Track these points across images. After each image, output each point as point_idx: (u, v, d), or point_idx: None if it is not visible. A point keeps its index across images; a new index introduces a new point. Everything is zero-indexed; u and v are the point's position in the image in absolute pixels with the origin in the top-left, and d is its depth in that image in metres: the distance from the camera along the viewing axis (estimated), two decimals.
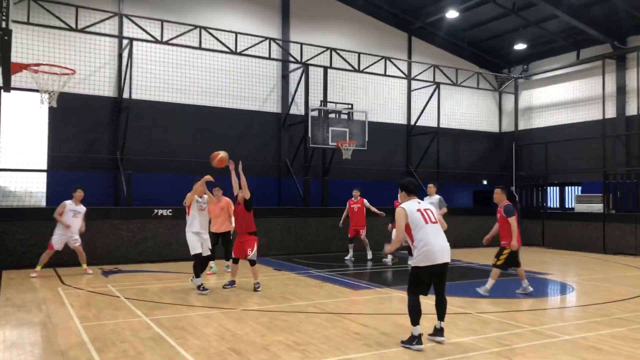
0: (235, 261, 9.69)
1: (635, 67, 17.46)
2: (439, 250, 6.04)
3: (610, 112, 18.09)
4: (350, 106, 16.85)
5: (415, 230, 6.04)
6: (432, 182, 12.96)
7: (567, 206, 20.19)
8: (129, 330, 6.64)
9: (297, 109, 17.32)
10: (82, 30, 13.50)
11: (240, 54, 15.37)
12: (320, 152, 16.77)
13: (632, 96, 17.62)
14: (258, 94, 17.00)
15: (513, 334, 6.59)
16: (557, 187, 20.61)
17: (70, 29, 13.29)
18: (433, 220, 6.14)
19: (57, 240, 11.02)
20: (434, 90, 19.11)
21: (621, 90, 17.87)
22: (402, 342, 6.03)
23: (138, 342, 6.09)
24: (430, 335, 6.24)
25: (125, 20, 14.51)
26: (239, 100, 16.63)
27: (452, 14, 18.13)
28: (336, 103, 16.80)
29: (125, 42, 14.66)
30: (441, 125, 19.21)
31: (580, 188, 19.40)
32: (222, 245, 11.33)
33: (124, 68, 14.68)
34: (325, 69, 16.52)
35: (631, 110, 17.62)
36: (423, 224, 6.05)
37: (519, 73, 21.32)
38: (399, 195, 6.51)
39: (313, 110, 16.08)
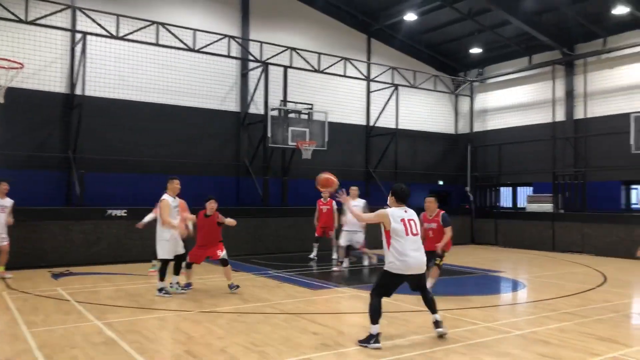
0: (189, 266, 9.36)
1: (583, 74, 18.19)
2: (415, 264, 6.14)
3: (560, 116, 18.78)
4: (310, 106, 16.86)
5: (395, 239, 6.10)
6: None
7: (519, 206, 20.83)
8: (79, 335, 6.43)
9: (256, 108, 17.21)
10: (33, 23, 12.98)
11: (198, 51, 15.14)
12: (280, 152, 16.72)
13: (579, 101, 18.35)
14: (217, 92, 16.80)
15: (467, 330, 6.74)
16: (510, 188, 21.24)
17: (20, 20, 12.75)
18: (414, 232, 6.18)
19: None
20: (393, 91, 19.35)
21: (570, 95, 18.58)
22: (360, 340, 6.06)
23: (89, 348, 5.91)
24: (435, 329, 6.31)
25: (78, 13, 14.06)
26: (197, 98, 16.39)
27: (410, 16, 18.41)
28: (296, 103, 16.79)
29: (78, 36, 14.20)
30: (399, 127, 19.48)
31: (531, 188, 20.06)
32: None
33: (76, 63, 14.23)
34: (285, 68, 16.48)
35: (579, 114, 18.34)
36: (404, 235, 6.10)
37: (474, 76, 21.86)
38: (388, 199, 6.44)
39: (273, 109, 16.01)
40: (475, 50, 20.55)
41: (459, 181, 21.91)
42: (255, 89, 16.96)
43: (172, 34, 14.63)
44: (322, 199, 13.92)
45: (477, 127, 21.82)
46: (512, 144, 19.88)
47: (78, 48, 14.16)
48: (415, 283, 6.35)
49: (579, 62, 18.34)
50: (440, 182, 21.78)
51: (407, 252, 6.06)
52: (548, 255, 16.13)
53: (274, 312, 7.77)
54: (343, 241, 12.42)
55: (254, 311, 7.85)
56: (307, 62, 16.87)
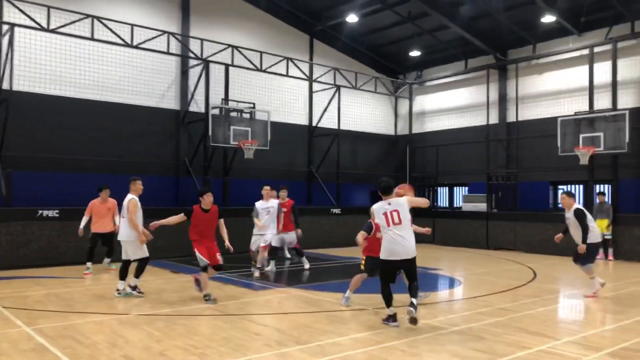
0: (206, 269, 8.54)
1: (514, 78, 19.05)
2: (397, 250, 6.91)
3: (494, 119, 19.58)
4: (252, 105, 16.72)
5: (381, 230, 7.05)
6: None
7: (455, 205, 21.55)
8: (6, 342, 6.08)
9: (197, 106, 16.88)
10: None
11: (136, 47, 14.68)
12: (221, 151, 16.47)
13: (512, 104, 19.20)
14: (155, 89, 16.35)
15: (407, 327, 6.90)
16: (447, 188, 21.94)
17: None
18: (396, 222, 6.94)
19: None
20: (335, 92, 19.52)
21: (503, 99, 19.42)
22: (382, 319, 7.07)
23: (17, 355, 5.61)
24: (408, 310, 6.71)
25: (5, 3, 13.28)
26: (134, 95, 15.88)
27: (352, 18, 18.63)
28: (238, 102, 16.60)
29: (5, 27, 13.42)
30: (341, 127, 19.67)
31: (467, 188, 20.80)
32: (104, 244, 11.75)
33: (3, 56, 13.44)
34: (227, 66, 16.27)
35: (511, 117, 19.19)
36: (386, 226, 6.96)
37: (413, 79, 22.41)
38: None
39: (214, 108, 15.76)
40: (415, 53, 21.07)
41: (399, 181, 22.33)
42: (195, 87, 16.63)
43: (109, 28, 14.12)
44: (279, 200, 12.69)
45: (416, 129, 22.39)
46: (449, 146, 20.53)
47: (5, 40, 13.38)
48: (407, 269, 7.08)
49: (511, 67, 19.20)
50: None
51: (390, 240, 6.91)
52: (482, 253, 16.77)
53: (215, 314, 7.66)
54: (255, 246, 11.69)
55: (194, 313, 7.70)
56: (249, 61, 16.73)
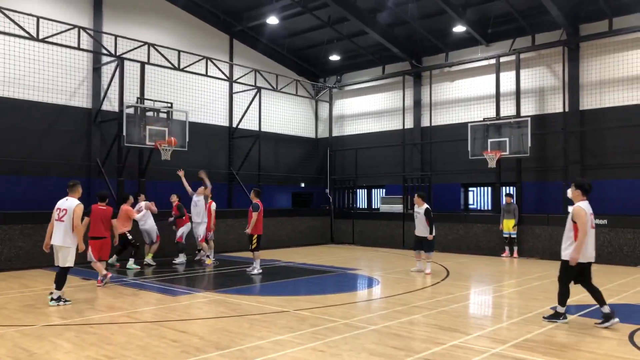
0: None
1: (429, 84, 19.90)
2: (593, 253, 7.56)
3: (409, 123, 20.32)
4: (169, 105, 16.23)
5: (583, 230, 7.28)
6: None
7: (373, 207, 22.12)
8: None
9: (110, 104, 16.14)
10: None
11: (43, 41, 13.79)
12: (137, 151, 15.84)
13: (426, 110, 20.03)
14: (65, 86, 15.43)
15: (327, 328, 6.99)
16: (365, 190, 22.47)
17: None
18: (593, 226, 7.54)
19: None
20: (256, 94, 19.40)
21: (417, 104, 20.20)
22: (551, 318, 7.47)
23: None
24: None
25: None
26: (41, 92, 14.90)
27: (272, 20, 18.61)
28: (154, 101, 16.03)
29: None
30: (262, 129, 19.59)
31: (384, 190, 21.42)
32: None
33: None
34: (143, 64, 15.68)
35: (425, 122, 20.02)
36: (590, 228, 7.44)
37: (333, 83, 22.76)
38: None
39: (128, 107, 15.09)
40: (335, 58, 21.41)
41: (320, 183, 22.67)
42: (109, 85, 15.87)
43: (11, 19, 13.17)
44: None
45: (336, 132, 22.76)
46: (367, 149, 21.07)
47: None
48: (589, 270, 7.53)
49: (426, 73, 20.03)
50: (302, 184, 22.32)
51: (590, 242, 7.45)
52: (399, 252, 17.34)
53: (130, 322, 7.35)
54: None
55: (107, 322, 7.35)
56: (167, 60, 16.24)
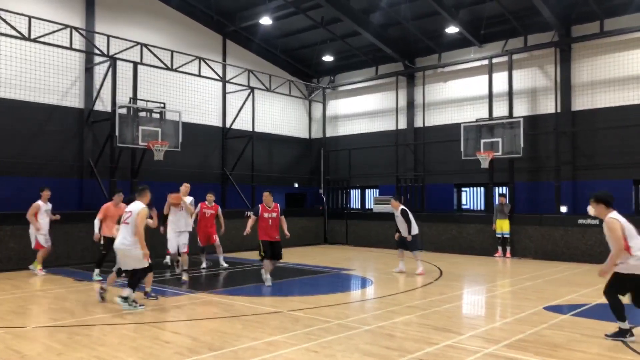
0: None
1: (422, 85, 19.95)
2: None
3: (402, 124, 20.36)
4: (162, 105, 16.18)
5: (634, 243, 6.40)
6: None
7: (367, 207, 22.14)
8: None
9: (102, 105, 16.06)
10: None
11: (34, 40, 13.70)
12: (129, 152, 15.77)
13: (419, 110, 20.08)
14: (57, 86, 15.33)
15: (321, 328, 6.99)
16: (359, 190, 22.49)
17: None
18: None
19: None
20: (249, 94, 19.37)
21: (411, 105, 20.24)
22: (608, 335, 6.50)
23: None
24: None
25: None
26: (33, 92, 14.79)
27: (266, 20, 18.59)
28: (147, 101, 15.98)
29: None
30: (256, 130, 19.56)
31: (377, 191, 21.45)
32: None
33: None
34: (136, 64, 15.62)
35: (418, 122, 20.06)
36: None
37: (326, 83, 22.76)
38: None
39: (121, 107, 15.02)
40: (328, 58, 21.42)
41: (313, 184, 22.66)
42: (101, 85, 15.79)
43: (3, 19, 13.07)
44: (206, 202, 13.05)
45: (330, 132, 22.76)
46: (361, 149, 21.09)
47: None
48: None
49: (419, 74, 20.08)
50: (296, 185, 22.31)
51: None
52: (392, 253, 17.30)
53: (123, 323, 7.32)
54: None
55: (99, 323, 7.31)
56: (160, 60, 16.18)
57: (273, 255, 10.62)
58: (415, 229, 12.31)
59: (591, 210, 6.80)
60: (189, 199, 12.03)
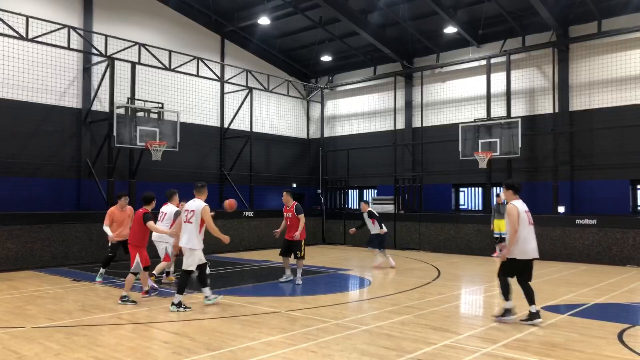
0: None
1: (420, 85, 19.97)
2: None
3: (400, 124, 20.37)
4: (160, 105, 16.16)
5: (523, 227, 7.40)
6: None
7: None
8: None
9: (100, 105, 16.05)
10: None
11: (32, 40, 13.68)
12: (127, 152, 15.76)
13: (417, 110, 20.09)
14: (55, 86, 15.32)
15: (319, 328, 6.99)
16: (357, 190, 22.49)
17: None
18: (532, 222, 7.58)
19: None
20: (247, 94, 19.37)
21: (409, 105, 20.26)
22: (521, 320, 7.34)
23: None
24: None
25: None
26: (30, 92, 14.78)
27: (264, 20, 18.59)
28: (145, 101, 15.97)
29: None
30: (254, 130, 19.55)
31: (376, 191, 21.45)
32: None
33: None
34: (134, 64, 15.61)
35: (416, 122, 20.08)
36: (527, 225, 7.46)
37: (324, 83, 22.77)
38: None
39: (119, 107, 15.02)
40: (326, 58, 21.42)
41: (312, 184, 22.66)
42: (99, 85, 15.79)
43: (0, 19, 13.05)
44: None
45: (328, 133, 22.77)
46: (359, 149, 21.09)
47: None
48: (531, 267, 7.54)
49: (417, 74, 20.09)
50: (294, 185, 22.30)
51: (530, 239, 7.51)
52: (390, 253, 17.28)
53: (121, 323, 7.31)
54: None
55: (97, 323, 7.30)
56: (158, 60, 16.17)
57: (285, 252, 11.13)
58: (380, 229, 13.49)
59: (502, 195, 7.79)
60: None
